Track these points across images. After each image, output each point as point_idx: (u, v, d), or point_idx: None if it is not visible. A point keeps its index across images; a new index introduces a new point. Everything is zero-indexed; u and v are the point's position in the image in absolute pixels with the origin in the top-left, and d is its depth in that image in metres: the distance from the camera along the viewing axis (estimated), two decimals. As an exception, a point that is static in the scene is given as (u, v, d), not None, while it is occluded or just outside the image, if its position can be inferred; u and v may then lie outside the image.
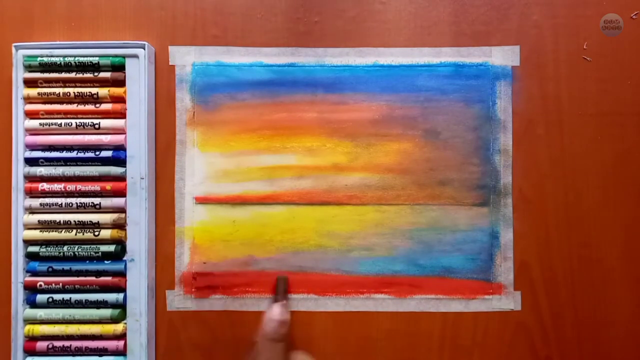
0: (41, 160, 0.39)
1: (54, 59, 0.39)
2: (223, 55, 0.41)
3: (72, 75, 0.40)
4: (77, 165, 0.40)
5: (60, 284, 0.39)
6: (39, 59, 0.39)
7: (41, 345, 0.38)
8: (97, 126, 0.39)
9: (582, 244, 0.41)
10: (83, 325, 0.39)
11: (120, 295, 0.39)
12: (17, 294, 0.39)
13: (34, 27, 0.41)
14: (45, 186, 0.39)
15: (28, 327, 0.39)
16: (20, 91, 0.40)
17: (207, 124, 0.41)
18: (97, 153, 0.39)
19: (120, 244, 0.39)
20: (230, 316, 0.41)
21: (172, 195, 0.41)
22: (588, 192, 0.41)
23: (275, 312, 0.36)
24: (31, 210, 0.39)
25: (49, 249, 0.39)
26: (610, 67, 0.41)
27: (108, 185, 0.39)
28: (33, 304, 0.39)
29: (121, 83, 0.40)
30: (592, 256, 0.41)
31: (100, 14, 0.41)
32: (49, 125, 0.39)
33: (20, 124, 0.40)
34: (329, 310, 0.41)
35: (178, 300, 0.41)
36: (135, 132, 0.39)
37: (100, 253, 0.39)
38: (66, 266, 0.39)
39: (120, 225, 0.40)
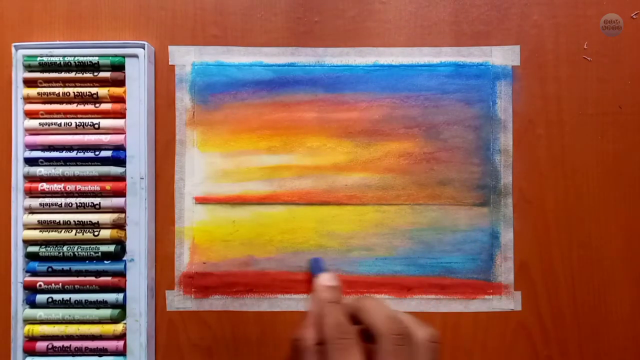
0: (41, 160, 0.39)
1: (53, 59, 0.39)
2: (223, 55, 0.41)
3: (72, 75, 0.40)
4: (76, 165, 0.40)
5: (60, 284, 0.39)
6: (38, 58, 0.39)
7: (41, 345, 0.38)
8: (96, 126, 0.39)
9: (582, 244, 0.41)
10: (83, 326, 0.39)
11: (120, 296, 0.39)
12: (17, 294, 0.39)
13: (33, 27, 0.41)
14: (45, 186, 0.39)
15: (28, 327, 0.39)
16: (20, 91, 0.40)
17: (207, 124, 0.41)
18: (97, 153, 0.39)
19: (120, 244, 0.39)
20: (230, 316, 0.41)
21: (172, 195, 0.41)
22: (588, 192, 0.41)
23: (325, 278, 0.31)
24: (31, 210, 0.39)
25: (49, 249, 0.39)
26: (610, 67, 0.41)
27: (108, 185, 0.39)
28: (33, 304, 0.39)
29: (121, 83, 0.40)
30: (592, 256, 0.40)
31: (100, 14, 0.41)
32: (49, 125, 0.39)
33: (19, 123, 0.40)
34: (329, 311, 0.41)
35: (178, 300, 0.41)
36: (135, 132, 0.39)
37: (100, 253, 0.39)
38: (66, 266, 0.39)
39: (120, 225, 0.39)
